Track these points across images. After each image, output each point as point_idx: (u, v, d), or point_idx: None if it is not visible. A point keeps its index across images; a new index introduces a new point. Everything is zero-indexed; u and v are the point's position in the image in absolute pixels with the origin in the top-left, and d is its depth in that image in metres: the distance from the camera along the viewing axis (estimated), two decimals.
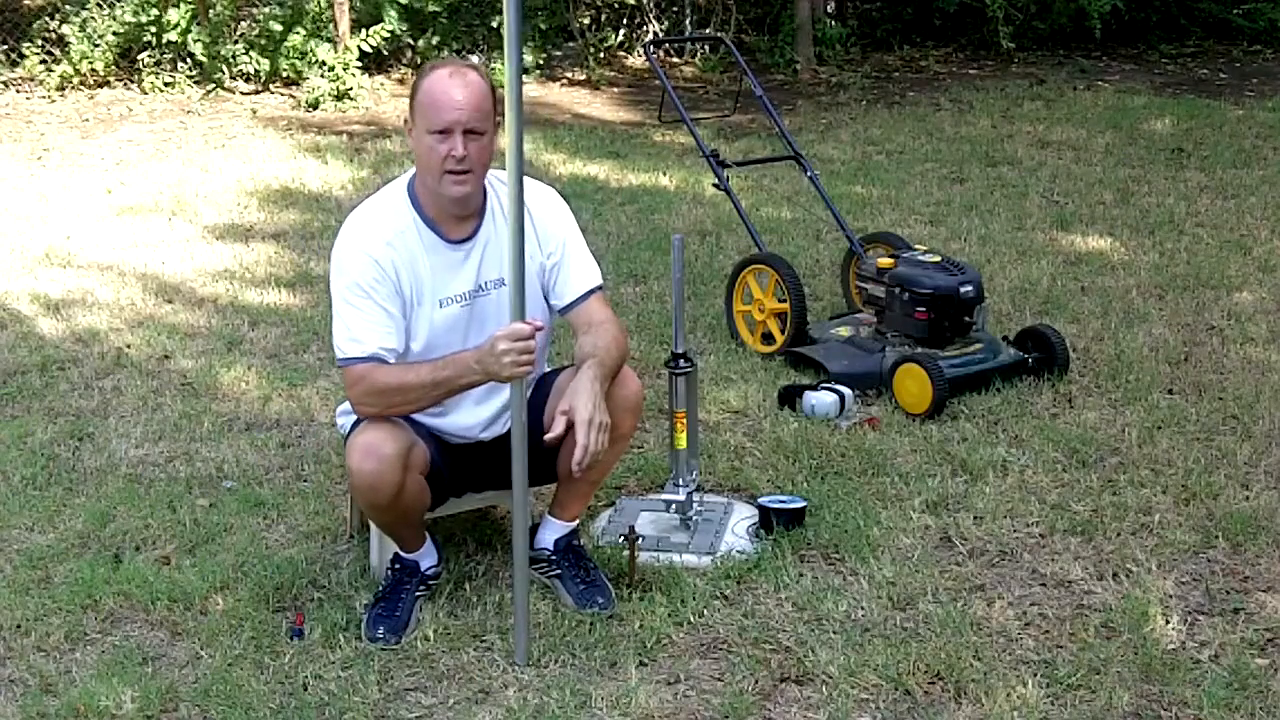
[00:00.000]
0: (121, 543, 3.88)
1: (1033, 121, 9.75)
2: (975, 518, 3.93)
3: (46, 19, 11.53)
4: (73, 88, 11.11)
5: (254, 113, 10.55)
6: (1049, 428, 4.51)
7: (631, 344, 3.83)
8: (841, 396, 4.66)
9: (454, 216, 3.31)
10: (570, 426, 3.14)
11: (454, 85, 3.18)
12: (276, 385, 5.04)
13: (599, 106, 11.03)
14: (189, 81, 11.15)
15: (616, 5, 12.52)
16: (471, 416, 3.45)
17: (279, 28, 11.04)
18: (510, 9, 2.90)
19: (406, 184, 3.36)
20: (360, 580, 3.61)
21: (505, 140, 3.00)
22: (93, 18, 11.17)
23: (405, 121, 3.33)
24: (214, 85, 11.07)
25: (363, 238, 3.27)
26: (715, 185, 5.59)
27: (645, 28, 12.65)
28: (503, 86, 2.99)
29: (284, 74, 11.18)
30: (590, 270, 3.44)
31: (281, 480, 4.28)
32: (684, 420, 3.80)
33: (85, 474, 4.34)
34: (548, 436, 3.20)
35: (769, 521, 3.81)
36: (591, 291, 3.42)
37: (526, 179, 3.38)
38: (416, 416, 3.36)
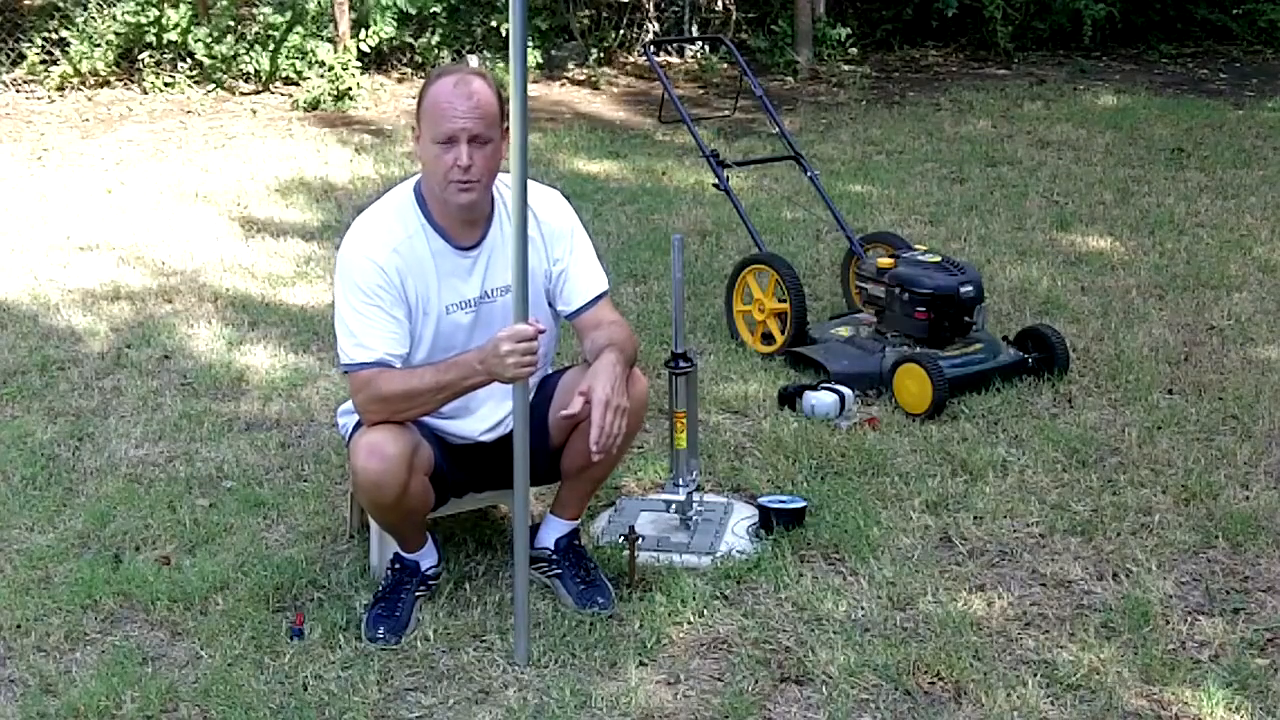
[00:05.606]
0: (121, 543, 3.88)
1: (1033, 121, 9.75)
2: (975, 518, 3.93)
3: (47, 19, 11.52)
4: (73, 88, 11.10)
5: (254, 113, 10.55)
6: (1049, 428, 4.51)
7: None
8: (841, 396, 4.66)
9: (461, 222, 3.30)
10: (587, 407, 3.13)
11: (459, 94, 3.17)
12: (276, 385, 5.04)
13: (599, 106, 11.02)
14: (189, 81, 11.15)
15: (616, 5, 12.51)
16: (475, 421, 3.45)
17: (281, 20, 11.03)
18: (516, 15, 2.90)
19: (414, 188, 3.34)
20: (360, 580, 3.61)
21: (511, 143, 3.00)
22: (93, 18, 11.17)
23: (412, 129, 3.32)
24: (214, 85, 11.07)
25: (368, 243, 3.26)
26: (715, 185, 5.59)
27: (645, 28, 12.64)
28: (506, 88, 2.99)
29: (284, 74, 11.18)
30: (598, 275, 3.44)
31: (281, 480, 4.28)
32: (684, 420, 3.80)
33: (85, 474, 4.34)
34: (564, 412, 3.22)
35: (769, 521, 3.81)
36: (600, 297, 3.42)
37: (531, 182, 3.38)
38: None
